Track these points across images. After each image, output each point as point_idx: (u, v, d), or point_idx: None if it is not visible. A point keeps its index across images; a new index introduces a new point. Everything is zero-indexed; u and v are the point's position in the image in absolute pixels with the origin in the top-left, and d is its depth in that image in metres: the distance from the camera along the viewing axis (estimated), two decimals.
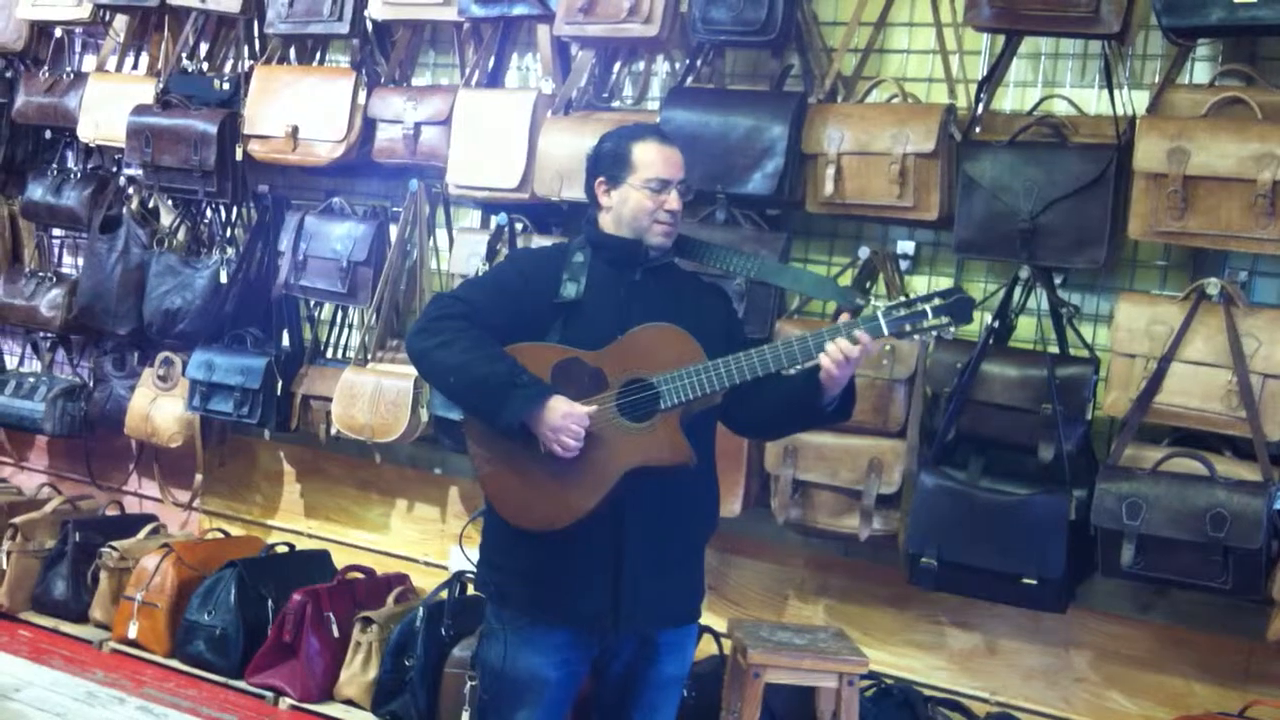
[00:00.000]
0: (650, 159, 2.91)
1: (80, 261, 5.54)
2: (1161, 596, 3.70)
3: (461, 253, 4.50)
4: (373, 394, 4.59)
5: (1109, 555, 3.41)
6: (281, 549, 4.95)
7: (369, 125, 4.67)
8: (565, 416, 2.73)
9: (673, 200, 2.91)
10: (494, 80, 4.63)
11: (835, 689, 3.51)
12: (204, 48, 5.24)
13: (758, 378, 2.78)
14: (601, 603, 2.84)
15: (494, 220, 4.47)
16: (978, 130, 3.75)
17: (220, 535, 5.20)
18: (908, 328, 2.78)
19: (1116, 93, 3.61)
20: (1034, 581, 3.49)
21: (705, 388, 2.77)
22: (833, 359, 2.74)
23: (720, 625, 4.00)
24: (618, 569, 2.83)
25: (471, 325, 2.84)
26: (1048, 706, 3.87)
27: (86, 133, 5.26)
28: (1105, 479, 3.42)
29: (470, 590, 4.31)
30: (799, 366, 2.82)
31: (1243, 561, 3.25)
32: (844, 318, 2.80)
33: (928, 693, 3.92)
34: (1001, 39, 3.77)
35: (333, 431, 4.75)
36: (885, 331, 2.77)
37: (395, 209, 4.80)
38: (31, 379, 5.53)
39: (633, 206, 2.91)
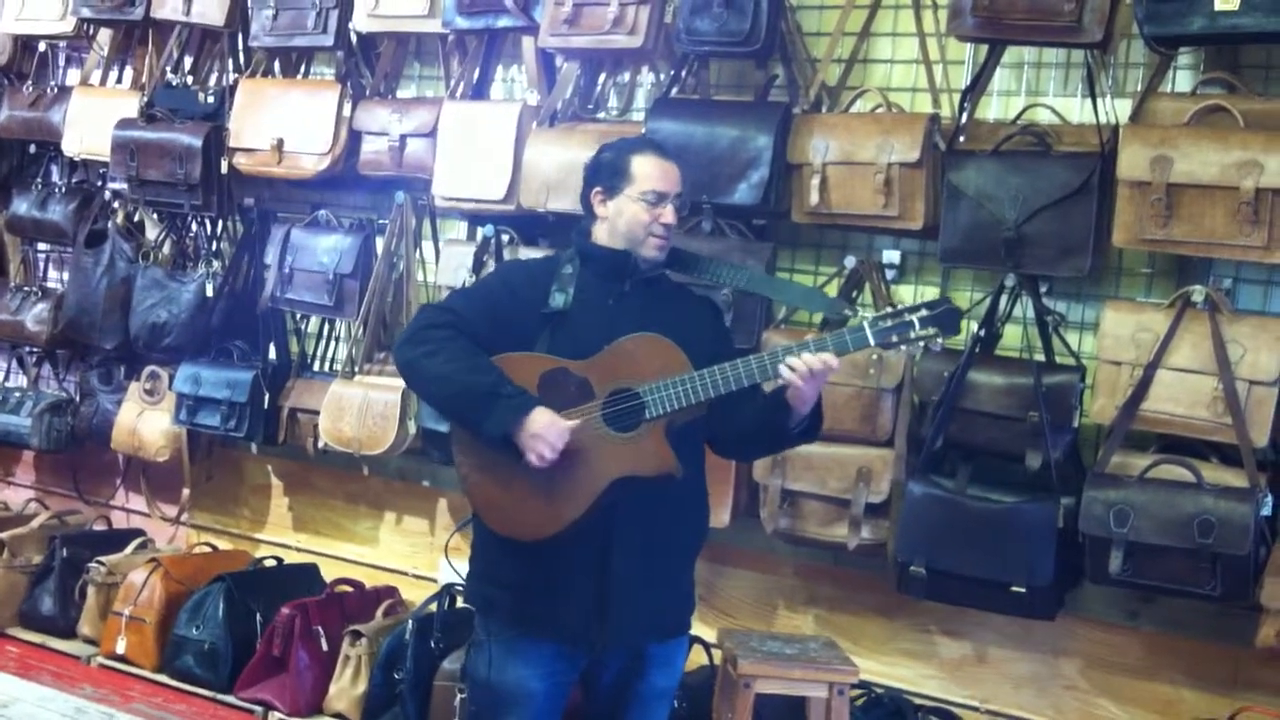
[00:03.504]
0: (648, 171, 2.92)
1: (66, 276, 5.51)
2: (1150, 603, 3.71)
3: (448, 264, 4.50)
4: (360, 406, 4.58)
5: (1097, 562, 3.42)
6: (270, 563, 4.94)
7: (354, 138, 4.66)
8: (545, 427, 2.73)
9: (668, 214, 2.92)
10: (479, 92, 4.63)
11: (825, 699, 3.51)
12: (188, 61, 5.22)
13: (734, 394, 2.78)
14: (588, 615, 2.83)
15: (480, 232, 4.46)
16: (962, 140, 3.75)
17: (208, 549, 5.18)
18: (895, 339, 2.78)
19: (1100, 101, 3.62)
20: (1023, 589, 3.49)
21: (690, 398, 2.77)
22: (799, 373, 2.74)
23: (710, 635, 3.99)
24: (604, 581, 2.83)
25: (458, 335, 2.84)
26: (1038, 714, 3.88)
27: (71, 147, 5.25)
28: (1093, 486, 3.43)
29: (459, 603, 4.30)
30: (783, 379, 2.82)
31: (1230, 568, 3.26)
32: (812, 334, 2.80)
33: (918, 701, 3.93)
34: (985, 49, 3.78)
35: (320, 444, 4.73)
36: (872, 343, 2.77)
37: (381, 221, 4.80)
38: (18, 394, 5.51)
39: (628, 218, 2.91)
